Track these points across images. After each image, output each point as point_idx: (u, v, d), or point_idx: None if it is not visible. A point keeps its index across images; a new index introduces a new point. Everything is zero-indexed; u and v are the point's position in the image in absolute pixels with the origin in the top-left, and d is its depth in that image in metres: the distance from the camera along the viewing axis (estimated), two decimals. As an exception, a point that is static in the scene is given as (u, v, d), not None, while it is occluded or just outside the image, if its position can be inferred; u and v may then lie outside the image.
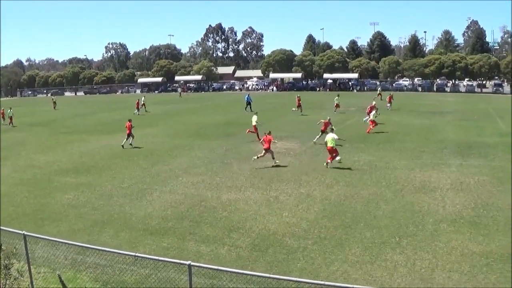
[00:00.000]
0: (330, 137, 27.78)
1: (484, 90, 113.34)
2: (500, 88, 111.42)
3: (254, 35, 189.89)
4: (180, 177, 26.42)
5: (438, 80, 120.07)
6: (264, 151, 28.40)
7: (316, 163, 29.17)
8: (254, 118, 38.52)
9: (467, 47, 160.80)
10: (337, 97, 59.74)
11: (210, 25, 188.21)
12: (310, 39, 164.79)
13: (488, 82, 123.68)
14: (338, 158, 27.50)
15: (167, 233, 17.80)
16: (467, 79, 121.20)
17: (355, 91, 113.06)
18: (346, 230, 17.63)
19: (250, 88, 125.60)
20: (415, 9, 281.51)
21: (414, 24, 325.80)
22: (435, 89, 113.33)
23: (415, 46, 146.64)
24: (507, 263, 14.58)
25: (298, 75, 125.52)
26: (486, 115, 55.51)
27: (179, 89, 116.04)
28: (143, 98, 70.38)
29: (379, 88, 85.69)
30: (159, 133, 44.04)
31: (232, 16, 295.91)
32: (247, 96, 63.86)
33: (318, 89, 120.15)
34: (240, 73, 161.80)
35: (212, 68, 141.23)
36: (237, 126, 46.39)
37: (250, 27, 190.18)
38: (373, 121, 41.51)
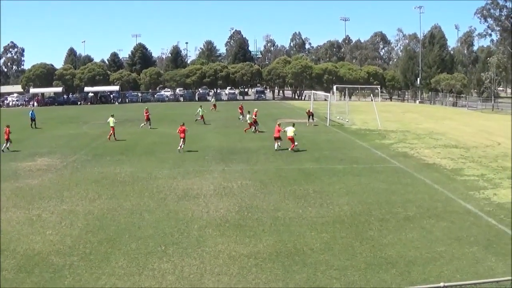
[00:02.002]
0: (291, 129, 36.80)
1: (246, 97, 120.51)
2: (263, 95, 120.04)
3: (15, 49, 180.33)
4: None
5: (200, 89, 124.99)
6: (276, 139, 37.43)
7: (78, 178, 28.70)
8: (112, 120, 44.52)
9: (230, 56, 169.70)
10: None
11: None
12: (71, 52, 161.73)
13: (250, 89, 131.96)
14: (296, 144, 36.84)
15: None
16: (229, 87, 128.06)
17: (116, 103, 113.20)
18: (111, 243, 17.70)
19: (10, 104, 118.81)
20: (177, 21, 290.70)
21: (176, 35, 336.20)
22: (197, 98, 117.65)
23: (176, 57, 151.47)
24: (276, 262, 15.79)
25: (59, 89, 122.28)
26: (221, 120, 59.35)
27: None
28: None
29: (213, 99, 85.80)
30: None
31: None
32: (31, 112, 59.82)
33: (79, 102, 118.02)
34: (0, 89, 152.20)
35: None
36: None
37: (12, 42, 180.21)
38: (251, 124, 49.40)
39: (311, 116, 55.44)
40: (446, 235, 18.16)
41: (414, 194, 23.99)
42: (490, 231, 18.59)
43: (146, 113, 54.87)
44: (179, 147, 36.58)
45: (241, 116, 59.58)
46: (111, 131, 44.40)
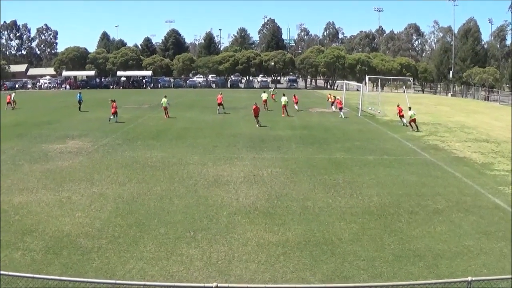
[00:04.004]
0: (412, 112, 43.94)
1: (278, 85, 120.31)
2: (295, 84, 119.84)
3: (49, 32, 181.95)
4: (-31, 182, 24.43)
5: (232, 76, 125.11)
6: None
7: (108, 161, 28.94)
8: (165, 100, 50.14)
9: (263, 44, 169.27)
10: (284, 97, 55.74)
11: (4, 22, 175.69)
12: (105, 36, 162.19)
13: (283, 77, 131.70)
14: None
15: (-41, 244, 16.54)
16: (261, 75, 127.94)
17: (148, 88, 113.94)
18: (140, 227, 17.82)
19: (42, 86, 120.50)
20: (211, 7, 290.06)
21: (209, 22, 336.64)
22: (229, 85, 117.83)
23: (209, 44, 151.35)
24: (304, 251, 15.78)
25: (92, 72, 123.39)
26: (280, 108, 58.76)
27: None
28: (13, 94, 63.68)
29: (272, 89, 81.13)
30: None
31: (26, 12, 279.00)
32: (78, 94, 59.54)
33: (111, 86, 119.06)
34: (33, 71, 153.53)
35: (5, 66, 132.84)
36: (28, 126, 43.73)
37: (45, 24, 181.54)
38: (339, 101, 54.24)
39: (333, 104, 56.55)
40: (474, 229, 17.97)
41: (444, 187, 23.73)
42: (519, 226, 18.34)
43: (219, 98, 55.35)
44: (257, 125, 43.00)
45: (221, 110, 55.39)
46: (164, 111, 50.13)
